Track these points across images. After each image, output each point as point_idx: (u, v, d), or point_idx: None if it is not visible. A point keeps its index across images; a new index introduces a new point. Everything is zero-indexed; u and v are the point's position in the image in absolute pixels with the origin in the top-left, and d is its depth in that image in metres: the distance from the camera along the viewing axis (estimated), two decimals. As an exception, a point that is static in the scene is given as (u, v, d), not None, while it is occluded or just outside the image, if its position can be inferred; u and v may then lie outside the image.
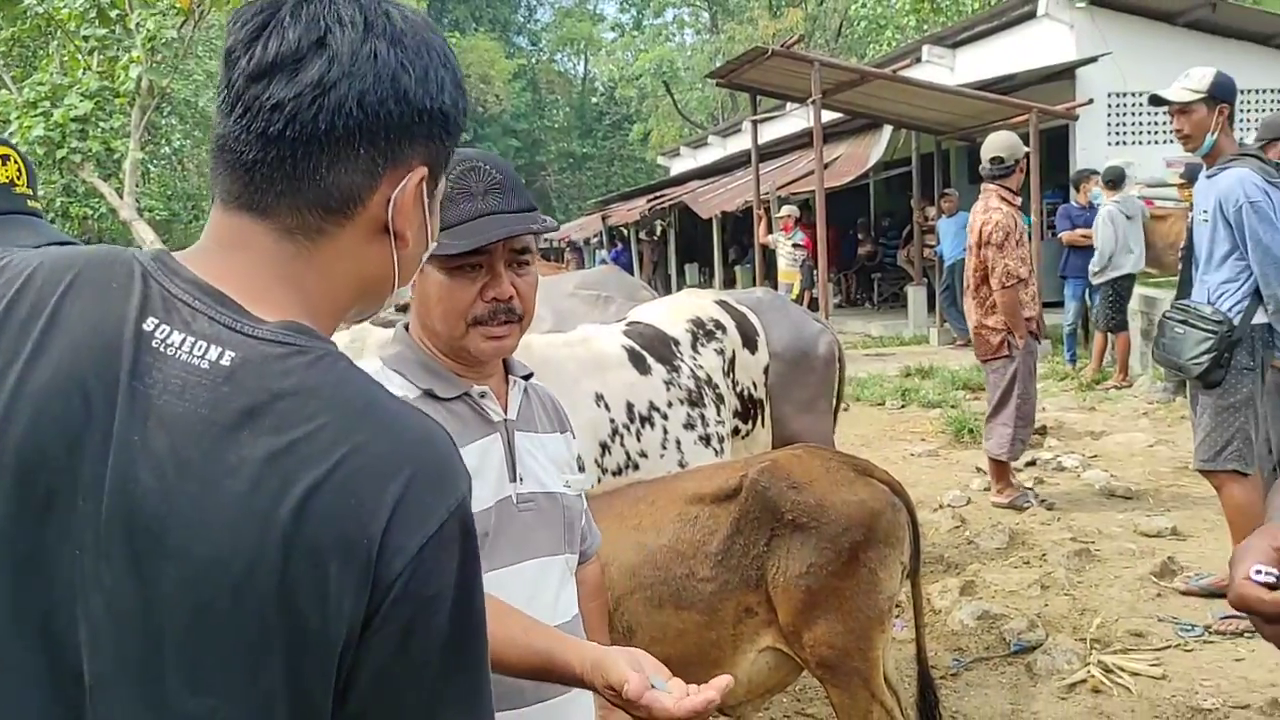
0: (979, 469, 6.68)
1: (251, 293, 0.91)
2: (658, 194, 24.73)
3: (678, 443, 3.68)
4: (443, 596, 0.86)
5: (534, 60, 50.13)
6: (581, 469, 1.87)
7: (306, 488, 0.81)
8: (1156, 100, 4.38)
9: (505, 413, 1.70)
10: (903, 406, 9.72)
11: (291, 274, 0.94)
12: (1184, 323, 4.30)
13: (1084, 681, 3.83)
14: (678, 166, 30.42)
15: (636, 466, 3.59)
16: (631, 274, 24.59)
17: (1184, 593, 4.57)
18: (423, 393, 1.63)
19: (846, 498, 2.73)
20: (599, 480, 3.41)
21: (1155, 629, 4.25)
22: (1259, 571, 1.15)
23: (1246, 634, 4.13)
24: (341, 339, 3.38)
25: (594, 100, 51.66)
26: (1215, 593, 4.47)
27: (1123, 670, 3.88)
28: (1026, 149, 6.13)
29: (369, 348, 3.18)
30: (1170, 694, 3.71)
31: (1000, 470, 6.21)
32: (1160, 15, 13.97)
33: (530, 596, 1.64)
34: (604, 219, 27.21)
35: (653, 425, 3.64)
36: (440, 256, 1.56)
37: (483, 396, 1.67)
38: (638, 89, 44.40)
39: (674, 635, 2.73)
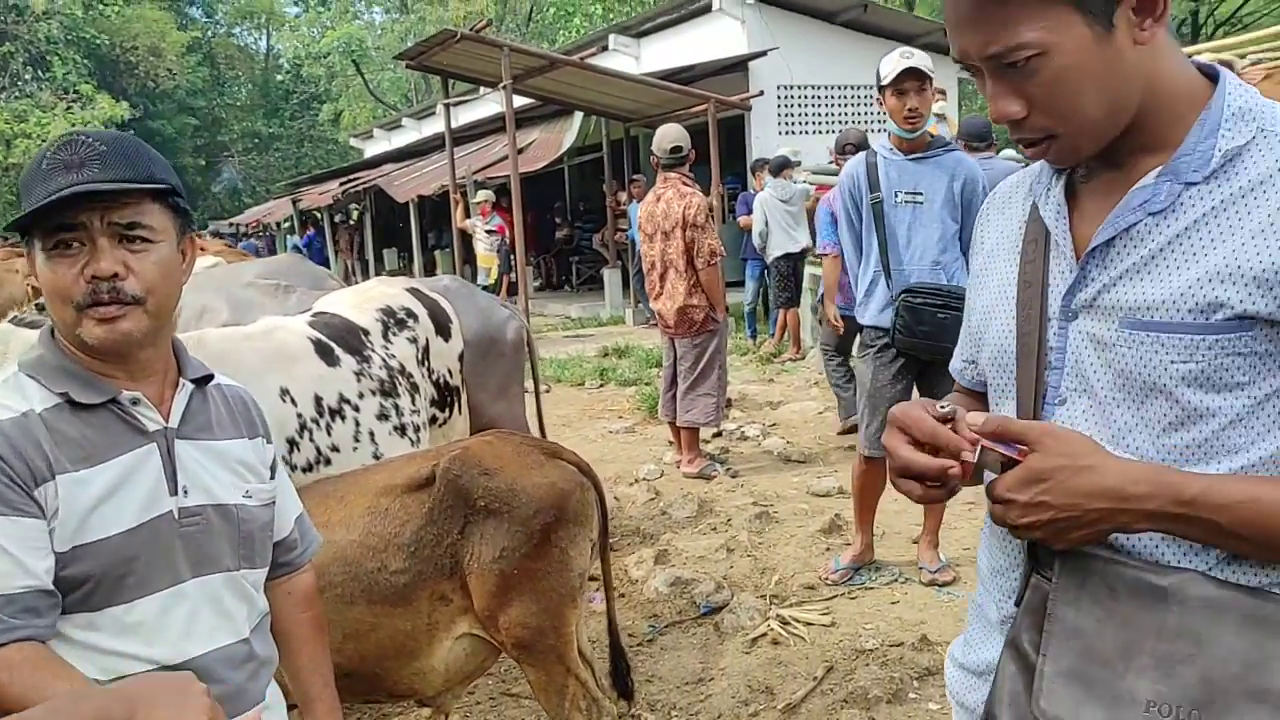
0: (671, 442, 7.01)
1: None
2: (351, 177, 23.97)
3: (371, 434, 3.62)
4: None
5: (210, 33, 46.85)
6: (273, 475, 1.77)
7: None
8: (913, 73, 4.17)
9: (166, 420, 1.57)
10: (601, 386, 10.03)
11: None
12: (945, 307, 4.20)
13: (765, 635, 4.14)
14: (371, 149, 29.67)
15: (328, 462, 3.49)
16: (326, 260, 23.71)
17: (848, 545, 5.02)
18: (60, 399, 1.50)
19: (537, 481, 2.80)
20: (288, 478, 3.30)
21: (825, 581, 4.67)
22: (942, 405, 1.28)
23: (901, 579, 4.62)
24: (-17, 341, 3.06)
25: (279, 78, 49.12)
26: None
27: (798, 621, 4.22)
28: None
29: (12, 351, 2.90)
30: (838, 639, 4.08)
31: (692, 441, 6.56)
32: (820, 14, 15.17)
33: (191, 618, 1.55)
34: (294, 203, 26.06)
35: (343, 418, 3.55)
36: (41, 238, 1.46)
37: (135, 403, 1.54)
38: (326, 67, 42.71)
39: (368, 630, 2.71)
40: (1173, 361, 1.17)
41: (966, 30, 1.19)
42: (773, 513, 5.60)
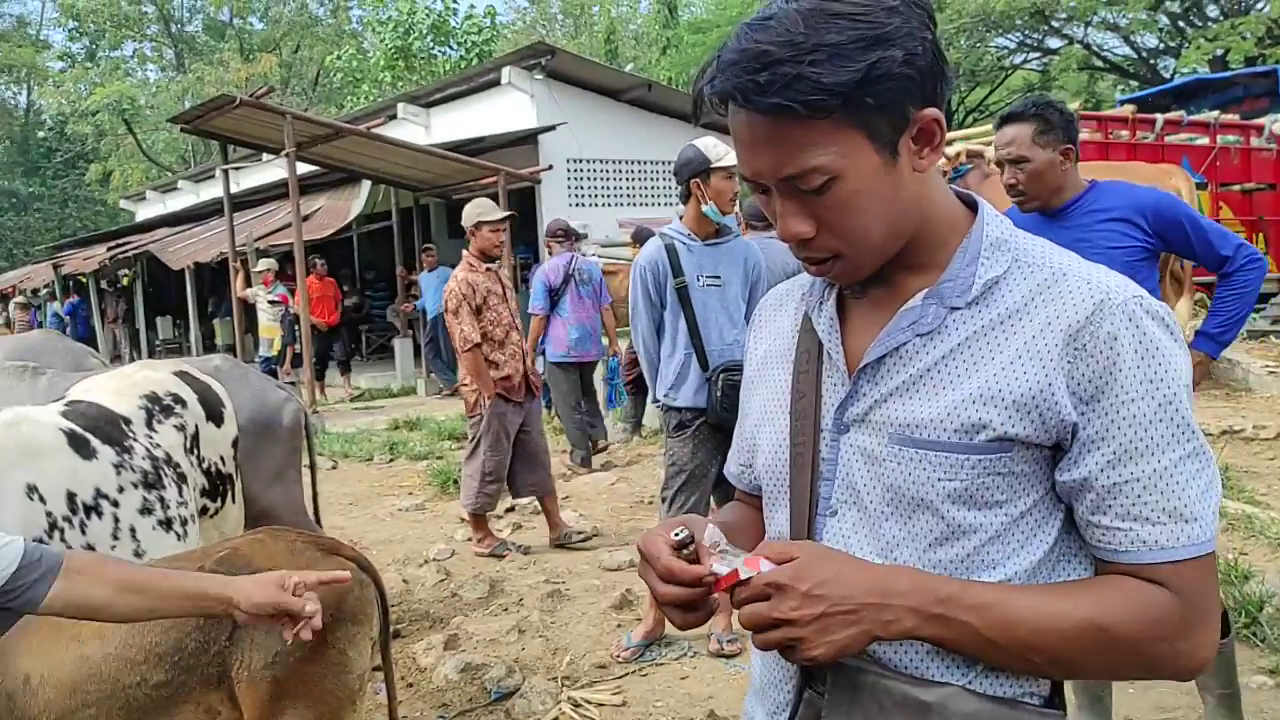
0: (463, 519, 6.89)
1: None
2: (121, 241, 22.60)
3: (132, 531, 3.39)
4: None
5: (-39, 87, 43.49)
6: None
7: None
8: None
9: None
10: (391, 460, 9.75)
11: None
12: None
13: (557, 719, 4.10)
14: (144, 211, 28.24)
15: (83, 563, 3.25)
16: (91, 329, 22.15)
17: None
18: None
19: (312, 579, 2.68)
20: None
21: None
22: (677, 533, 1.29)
23: (690, 654, 4.68)
24: None
25: (41, 135, 46.01)
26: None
27: (589, 702, 4.19)
28: (497, 214, 6.39)
29: None
30: (630, 719, 4.08)
31: (478, 521, 6.47)
32: (607, 91, 15.62)
33: None
34: (56, 268, 24.31)
35: (100, 515, 3.32)
36: None
37: None
38: (94, 125, 40.27)
39: (125, 752, 2.50)
40: (939, 479, 1.21)
41: (761, 152, 1.21)
42: (565, 590, 5.57)
